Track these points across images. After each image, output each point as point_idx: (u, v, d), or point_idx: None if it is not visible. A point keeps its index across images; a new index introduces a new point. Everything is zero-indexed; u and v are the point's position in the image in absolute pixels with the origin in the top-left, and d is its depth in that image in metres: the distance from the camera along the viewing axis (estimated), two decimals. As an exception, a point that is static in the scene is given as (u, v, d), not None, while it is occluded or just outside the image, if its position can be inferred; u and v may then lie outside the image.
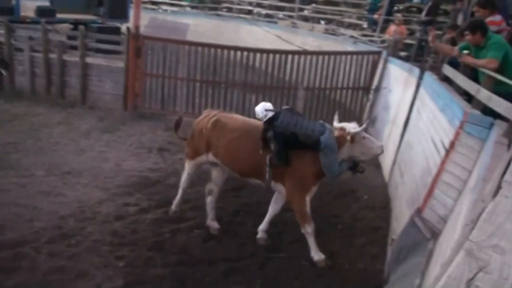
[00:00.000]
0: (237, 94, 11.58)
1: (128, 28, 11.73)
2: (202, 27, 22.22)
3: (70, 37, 12.75)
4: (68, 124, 10.78)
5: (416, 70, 8.21)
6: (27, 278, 5.14)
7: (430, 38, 6.87)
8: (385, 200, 7.39)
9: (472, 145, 4.26)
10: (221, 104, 11.44)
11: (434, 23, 12.41)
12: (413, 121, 7.42)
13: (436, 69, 7.22)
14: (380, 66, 11.38)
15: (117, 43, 12.30)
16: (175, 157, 9.12)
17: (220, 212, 6.84)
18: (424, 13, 13.24)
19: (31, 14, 15.25)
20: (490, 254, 2.59)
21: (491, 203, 2.70)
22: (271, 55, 11.52)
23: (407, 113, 7.86)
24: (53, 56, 12.36)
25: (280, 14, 22.02)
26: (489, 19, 6.16)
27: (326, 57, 11.61)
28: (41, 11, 15.13)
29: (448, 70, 6.25)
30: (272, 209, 6.28)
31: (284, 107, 6.44)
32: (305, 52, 12.23)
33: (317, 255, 5.82)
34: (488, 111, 4.31)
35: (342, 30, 17.52)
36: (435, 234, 4.30)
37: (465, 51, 5.80)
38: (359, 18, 18.60)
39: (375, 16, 16.62)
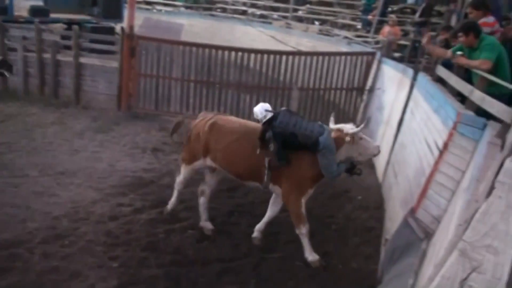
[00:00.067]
0: (231, 94, 11.58)
1: (122, 28, 11.71)
2: (196, 27, 22.22)
3: (64, 37, 12.67)
4: (61, 124, 10.74)
5: (410, 71, 8.24)
6: (21, 278, 5.12)
7: (425, 40, 6.89)
8: (379, 201, 7.41)
9: (465, 146, 4.29)
10: (215, 104, 11.45)
11: (428, 24, 12.47)
12: (407, 121, 7.44)
13: (429, 70, 7.24)
14: (374, 67, 11.41)
15: (111, 43, 12.26)
16: (169, 158, 9.10)
17: (214, 212, 6.84)
18: (418, 14, 13.30)
19: (24, 13, 15.15)
20: (483, 254, 2.60)
21: (484, 204, 2.71)
22: (265, 56, 11.53)
23: (400, 113, 7.88)
24: (46, 56, 12.31)
25: (275, 14, 22.05)
26: (482, 20, 6.18)
27: (320, 57, 11.64)
28: (35, 11, 15.03)
29: (441, 71, 6.27)
30: (271, 211, 6.27)
31: (283, 108, 6.46)
32: (299, 53, 12.26)
33: (311, 255, 5.84)
34: (481, 112, 4.33)
35: (336, 31, 17.54)
36: (428, 234, 4.31)
37: (459, 52, 5.83)
38: (353, 19, 18.63)
39: (369, 17, 16.64)
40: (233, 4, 24.26)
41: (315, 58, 11.63)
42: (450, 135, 4.52)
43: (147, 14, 23.85)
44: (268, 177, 5.88)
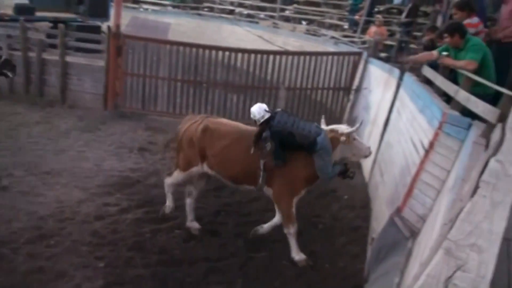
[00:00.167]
0: (218, 94, 11.56)
1: (108, 27, 11.64)
2: (183, 27, 22.14)
3: (49, 36, 12.59)
4: (47, 123, 10.64)
5: (396, 71, 8.27)
6: (6, 279, 5.08)
7: (407, 62, 7.01)
8: (365, 200, 7.43)
9: (450, 146, 4.31)
10: (203, 104, 11.44)
11: (414, 25, 12.57)
12: (393, 121, 7.47)
13: (415, 70, 7.29)
14: (360, 66, 11.45)
15: (98, 42, 12.18)
16: (155, 157, 9.08)
17: (201, 212, 6.83)
18: (404, 14, 13.39)
19: (9, 12, 15.00)
20: (468, 253, 2.62)
21: (469, 203, 2.73)
22: (252, 55, 11.54)
23: (387, 113, 7.91)
24: (32, 54, 12.19)
25: (262, 14, 22.05)
26: (466, 21, 6.23)
27: (308, 57, 11.68)
28: (20, 9, 14.85)
29: (427, 72, 6.31)
30: (278, 219, 6.18)
31: (279, 109, 6.47)
32: (287, 52, 12.28)
33: (298, 255, 5.85)
34: (466, 112, 4.37)
35: (323, 31, 17.58)
36: (414, 233, 4.34)
37: (444, 53, 5.88)
38: (340, 19, 18.69)
39: (356, 17, 16.71)
40: (220, 4, 24.23)
41: (302, 57, 11.67)
42: (436, 134, 4.55)
43: (134, 13, 23.71)
44: (263, 180, 5.88)
